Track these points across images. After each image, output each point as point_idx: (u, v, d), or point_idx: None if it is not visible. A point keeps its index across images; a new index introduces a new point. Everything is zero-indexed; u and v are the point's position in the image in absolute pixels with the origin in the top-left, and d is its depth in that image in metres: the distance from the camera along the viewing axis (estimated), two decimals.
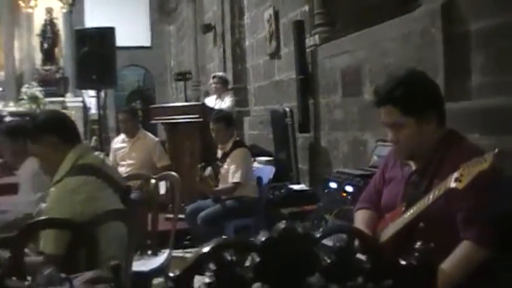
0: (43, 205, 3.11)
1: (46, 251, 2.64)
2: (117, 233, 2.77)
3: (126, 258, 2.84)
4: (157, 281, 3.81)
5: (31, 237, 2.66)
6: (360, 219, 2.64)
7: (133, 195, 5.64)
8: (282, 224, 1.41)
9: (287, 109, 6.96)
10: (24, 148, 3.93)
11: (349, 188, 4.24)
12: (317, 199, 4.94)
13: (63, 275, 1.77)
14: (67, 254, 2.58)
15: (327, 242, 1.49)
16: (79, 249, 2.62)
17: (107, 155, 7.18)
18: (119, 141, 6.87)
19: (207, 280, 1.33)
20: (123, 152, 6.73)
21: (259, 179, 5.89)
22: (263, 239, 1.39)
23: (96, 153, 3.04)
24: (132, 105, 7.07)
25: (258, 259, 1.36)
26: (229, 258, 1.37)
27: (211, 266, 1.37)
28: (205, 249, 1.36)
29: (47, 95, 13.64)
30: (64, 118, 3.05)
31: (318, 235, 1.46)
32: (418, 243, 1.58)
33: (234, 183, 5.52)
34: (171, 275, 1.32)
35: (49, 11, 14.46)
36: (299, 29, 6.38)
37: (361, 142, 5.27)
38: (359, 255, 1.50)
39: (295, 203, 5.87)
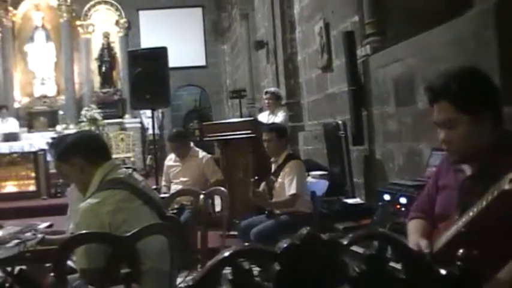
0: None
1: (79, 266, 2.65)
2: (158, 247, 2.75)
3: (168, 273, 2.83)
4: None
5: (71, 251, 2.65)
6: (413, 229, 2.52)
7: (185, 212, 5.67)
8: (304, 230, 1.32)
9: (340, 122, 6.85)
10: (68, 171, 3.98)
11: (403, 200, 4.10)
12: (372, 213, 4.81)
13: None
14: (107, 267, 2.56)
15: (358, 249, 1.39)
16: (120, 264, 2.59)
17: (162, 175, 7.26)
18: (171, 160, 6.89)
19: None
20: (175, 170, 6.75)
21: (313, 193, 5.78)
22: (284, 245, 1.30)
23: (124, 169, 3.06)
24: (178, 129, 7.10)
25: (278, 267, 1.28)
26: (247, 266, 1.29)
27: (229, 275, 1.29)
28: (222, 256, 1.29)
29: (105, 116, 13.94)
30: (91, 139, 3.13)
31: (345, 242, 1.36)
32: (461, 251, 1.44)
33: (291, 195, 5.39)
34: (184, 285, 1.26)
35: (106, 35, 14.84)
36: (350, 40, 6.28)
37: (416, 152, 5.10)
38: (393, 264, 1.39)
39: (350, 217, 5.73)
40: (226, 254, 1.29)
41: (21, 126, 13.59)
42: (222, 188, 4.49)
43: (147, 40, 14.83)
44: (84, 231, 2.62)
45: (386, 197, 4.39)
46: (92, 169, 2.88)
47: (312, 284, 1.30)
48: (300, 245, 1.30)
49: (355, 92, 6.27)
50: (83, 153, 2.92)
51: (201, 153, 6.77)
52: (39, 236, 4.08)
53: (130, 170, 3.08)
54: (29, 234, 4.11)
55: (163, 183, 6.89)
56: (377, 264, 1.36)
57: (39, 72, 15.13)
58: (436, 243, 2.27)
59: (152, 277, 2.67)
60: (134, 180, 2.96)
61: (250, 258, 1.33)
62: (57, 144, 4.10)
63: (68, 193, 4.28)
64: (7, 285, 1.20)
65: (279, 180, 5.56)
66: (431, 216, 2.46)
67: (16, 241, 3.93)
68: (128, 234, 2.56)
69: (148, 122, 13.76)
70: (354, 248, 1.35)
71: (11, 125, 13.09)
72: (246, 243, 5.17)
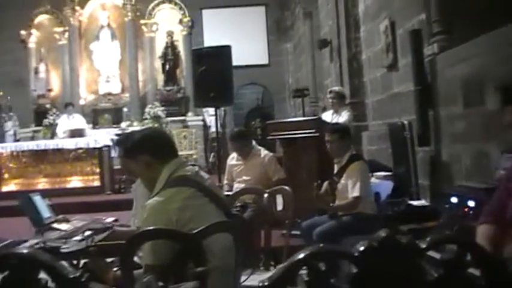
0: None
1: (145, 262, 2.68)
2: (224, 245, 2.75)
3: (233, 272, 2.83)
4: None
5: (138, 246, 2.67)
6: (482, 234, 2.45)
7: (248, 211, 5.68)
8: (382, 233, 1.29)
9: (405, 122, 6.73)
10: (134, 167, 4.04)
11: (471, 203, 4.00)
12: (438, 215, 4.71)
13: (161, 284, 1.73)
14: (174, 264, 2.58)
15: (435, 254, 1.35)
16: (186, 261, 2.61)
17: (224, 173, 7.29)
18: (234, 159, 6.91)
19: None
20: (238, 169, 6.76)
21: (377, 194, 5.69)
22: (361, 248, 1.27)
23: (190, 167, 3.07)
24: (240, 128, 7.13)
25: (354, 270, 1.25)
26: (323, 268, 1.26)
27: (304, 276, 1.27)
28: (298, 257, 1.27)
29: (168, 114, 14.12)
30: (159, 136, 3.15)
31: (423, 245, 1.32)
32: None
33: (354, 197, 5.31)
34: (260, 284, 1.24)
35: (170, 34, 15.01)
36: (416, 38, 6.16)
37: (484, 155, 4.96)
38: (472, 270, 1.35)
39: (415, 219, 5.60)
40: (302, 255, 1.27)
41: (86, 122, 13.90)
42: (286, 187, 4.46)
43: (210, 39, 14.94)
44: (151, 227, 2.64)
45: (454, 199, 4.29)
46: (159, 166, 2.90)
47: (389, 287, 1.27)
48: (377, 247, 1.28)
49: (421, 91, 6.15)
50: (151, 150, 2.93)
51: (263, 152, 6.76)
52: (107, 229, 4.17)
53: (196, 168, 3.09)
54: (98, 226, 4.21)
55: (225, 181, 6.93)
56: (456, 269, 1.32)
57: (104, 70, 15.43)
58: (508, 249, 2.20)
59: (217, 275, 2.67)
60: (200, 178, 2.97)
61: (326, 259, 1.31)
62: (125, 140, 4.15)
63: (133, 189, 4.33)
64: (82, 280, 1.21)
65: (342, 181, 5.49)
66: (503, 221, 2.38)
67: (86, 233, 4.04)
68: (195, 231, 2.57)
69: (210, 120, 13.87)
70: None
71: (77, 121, 13.40)
72: (309, 244, 5.15)
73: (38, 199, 5.19)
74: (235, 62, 8.31)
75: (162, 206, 2.73)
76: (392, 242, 1.27)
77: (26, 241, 4.01)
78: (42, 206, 5.24)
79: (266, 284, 1.24)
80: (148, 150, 2.93)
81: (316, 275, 1.25)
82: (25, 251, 1.37)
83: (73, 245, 3.77)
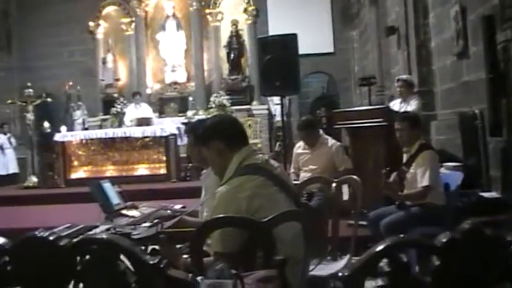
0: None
1: (214, 249, 2.69)
2: (293, 234, 2.74)
3: (302, 261, 2.82)
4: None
5: (208, 234, 2.69)
6: None
7: (315, 200, 5.65)
8: (466, 224, 1.24)
9: (477, 111, 6.54)
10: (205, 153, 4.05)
11: None
12: (510, 208, 4.56)
13: (234, 272, 1.73)
14: (244, 252, 2.58)
15: None
16: (256, 249, 2.61)
17: (290, 161, 7.28)
18: (300, 148, 6.88)
19: (380, 283, 1.21)
20: (304, 158, 6.74)
21: (447, 185, 5.56)
22: (444, 240, 1.23)
23: (261, 155, 3.07)
24: (308, 117, 7.07)
25: (437, 262, 1.21)
26: (405, 259, 1.23)
27: (385, 267, 1.24)
28: (379, 248, 1.24)
29: (233, 103, 14.14)
30: (231, 123, 3.11)
31: (510, 238, 1.27)
32: None
33: (423, 187, 5.19)
34: (340, 274, 1.22)
35: (234, 23, 15.01)
36: (489, 24, 5.96)
37: None
38: None
39: (486, 211, 5.44)
40: (383, 246, 1.24)
41: (152, 111, 14.10)
42: (355, 177, 4.41)
43: (275, 27, 14.89)
44: (221, 215, 2.65)
45: None
46: (229, 153, 2.90)
47: (472, 280, 1.23)
48: (461, 239, 1.23)
49: (493, 80, 5.96)
50: (222, 137, 2.93)
51: (331, 141, 6.71)
52: (176, 217, 4.22)
53: (266, 156, 3.09)
54: (167, 212, 4.26)
55: (291, 170, 6.91)
56: None
57: (170, 59, 15.56)
58: None
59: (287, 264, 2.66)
60: (270, 166, 2.96)
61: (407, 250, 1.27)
62: (196, 127, 4.18)
63: (202, 178, 4.35)
64: (161, 266, 1.22)
65: (411, 171, 5.39)
66: None
67: (154, 221, 4.09)
68: (266, 219, 2.56)
69: (275, 109, 13.84)
70: None
71: (144, 110, 13.62)
72: (376, 234, 5.09)
73: (107, 186, 5.30)
74: (300, 50, 8.25)
75: (232, 194, 2.74)
76: (477, 234, 1.23)
77: (97, 227, 4.09)
78: (112, 192, 5.35)
79: (346, 274, 1.22)
80: (220, 137, 2.93)
81: (398, 266, 1.22)
82: (105, 236, 1.39)
83: (143, 231, 3.83)
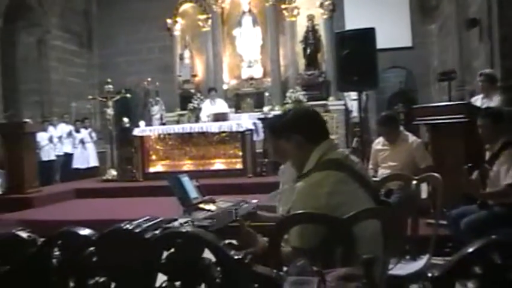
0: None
1: (292, 244, 2.66)
2: (373, 232, 2.68)
3: (381, 259, 2.76)
4: (414, 287, 3.66)
5: (288, 229, 2.67)
6: None
7: (393, 197, 5.55)
8: None
9: None
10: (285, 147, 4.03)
11: None
12: None
13: (315, 268, 1.70)
14: (322, 248, 2.55)
15: None
16: (335, 246, 2.57)
17: (367, 158, 7.18)
18: (380, 143, 6.78)
19: (471, 286, 1.16)
20: (384, 154, 6.63)
21: None
22: None
23: (341, 150, 3.01)
24: (389, 112, 6.95)
25: None
26: (499, 261, 1.17)
27: (477, 269, 1.19)
28: (471, 249, 1.19)
29: (309, 98, 14.08)
30: (311, 117, 3.04)
31: None
32: None
33: (507, 185, 4.98)
34: (430, 275, 1.18)
35: (310, 18, 14.93)
36: None
37: None
38: None
39: None
40: (475, 247, 1.19)
41: (229, 107, 14.21)
42: (436, 174, 4.29)
43: (351, 22, 14.70)
44: (301, 211, 2.62)
45: None
46: (309, 147, 2.86)
47: None
48: None
49: None
50: (303, 130, 2.89)
51: (411, 138, 6.58)
52: (251, 209, 4.23)
53: (347, 151, 3.03)
54: (245, 206, 4.28)
55: (370, 166, 6.81)
56: None
57: (246, 55, 15.64)
58: None
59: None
60: (351, 161, 2.90)
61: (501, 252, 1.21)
62: (273, 122, 4.18)
63: (280, 172, 4.34)
64: (246, 261, 1.22)
65: (494, 168, 5.20)
66: None
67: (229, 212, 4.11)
68: (346, 216, 2.52)
69: (352, 105, 13.69)
70: None
71: (220, 105, 13.74)
72: (456, 234, 4.94)
73: (186, 180, 5.36)
74: (377, 44, 8.13)
75: (311, 190, 2.70)
76: None
77: (175, 220, 4.14)
78: (190, 186, 5.41)
79: (436, 274, 1.17)
80: (300, 130, 2.89)
81: (490, 269, 1.16)
82: (190, 230, 1.39)
83: (219, 222, 3.85)
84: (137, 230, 1.43)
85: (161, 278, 1.47)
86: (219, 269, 1.34)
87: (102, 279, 1.51)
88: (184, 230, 1.39)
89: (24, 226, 1.89)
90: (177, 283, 1.41)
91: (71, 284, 1.59)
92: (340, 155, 2.88)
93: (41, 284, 1.61)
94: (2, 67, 15.35)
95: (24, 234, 1.69)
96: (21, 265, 1.63)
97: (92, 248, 1.49)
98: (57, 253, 1.57)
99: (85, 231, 1.50)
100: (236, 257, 1.31)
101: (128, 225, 1.46)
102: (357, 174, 2.81)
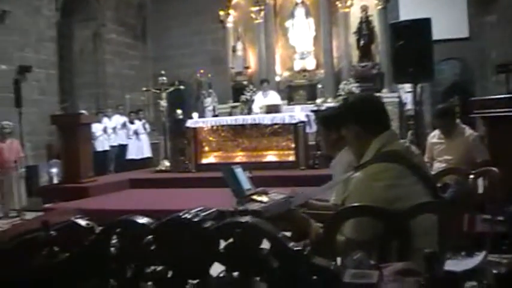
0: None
1: (346, 235, 2.62)
2: (429, 226, 2.62)
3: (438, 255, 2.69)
4: (469, 284, 3.57)
5: (344, 221, 2.63)
6: None
7: (449, 192, 5.43)
8: None
9: None
10: (338, 138, 4.00)
11: None
12: None
13: (372, 262, 1.67)
14: (377, 242, 2.51)
15: None
16: (391, 239, 2.52)
17: (423, 150, 7.05)
18: (435, 137, 6.66)
19: None
20: (439, 148, 6.51)
21: None
22: None
23: (402, 141, 2.93)
24: (446, 105, 6.83)
25: None
26: None
27: None
28: None
29: (363, 90, 13.84)
30: (371, 105, 2.93)
31: None
32: None
33: None
34: (495, 271, 1.14)
35: (364, 8, 14.73)
36: None
37: None
38: None
39: None
40: None
41: (281, 99, 14.17)
42: (494, 169, 4.18)
43: (406, 12, 14.49)
44: (360, 204, 2.57)
45: None
46: (368, 137, 2.78)
47: None
48: None
49: None
50: (361, 120, 2.82)
51: (468, 131, 6.44)
52: (302, 198, 4.20)
53: (407, 143, 2.96)
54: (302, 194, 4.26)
55: (425, 160, 6.70)
56: None
57: (299, 47, 15.55)
58: None
59: (420, 257, 2.55)
60: (411, 154, 2.82)
61: None
62: (325, 116, 4.15)
63: (332, 165, 4.31)
64: (305, 252, 1.20)
65: None
66: None
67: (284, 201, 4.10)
68: (403, 210, 2.47)
69: (406, 97, 13.49)
70: None
71: (272, 97, 13.71)
72: None
73: (239, 171, 5.38)
74: (433, 35, 7.96)
75: (368, 183, 2.64)
76: None
77: (230, 210, 4.15)
78: (243, 178, 5.43)
79: (503, 271, 1.13)
80: (358, 120, 2.82)
81: None
82: (250, 219, 1.38)
83: (273, 208, 3.84)
84: (196, 219, 1.43)
85: (219, 268, 1.46)
86: (277, 260, 1.33)
87: (159, 268, 1.52)
88: (243, 220, 1.38)
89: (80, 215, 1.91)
90: (235, 273, 1.40)
91: (129, 272, 1.60)
92: (400, 146, 2.80)
93: (99, 272, 1.63)
94: (59, 60, 15.69)
95: (83, 222, 1.72)
96: (80, 253, 1.65)
97: (150, 237, 1.49)
98: (115, 241, 1.59)
99: (144, 220, 1.50)
100: (295, 248, 1.29)
101: (186, 215, 1.46)
102: (416, 167, 2.74)
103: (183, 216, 1.45)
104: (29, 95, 13.94)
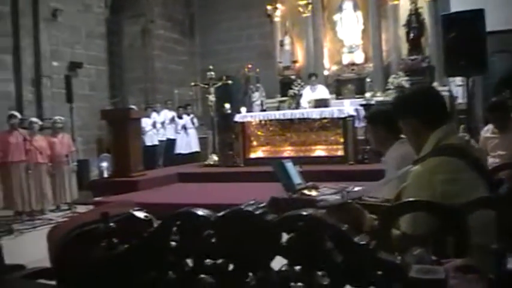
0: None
1: (403, 230, 2.57)
2: (486, 222, 2.54)
3: (495, 252, 2.62)
4: None
5: (400, 215, 2.58)
6: None
7: (503, 187, 5.30)
8: None
9: None
10: (386, 134, 3.95)
11: None
12: None
13: (433, 258, 1.63)
14: (434, 237, 2.45)
15: None
16: (447, 235, 2.47)
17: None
18: (489, 131, 6.49)
19: None
20: (493, 143, 6.35)
21: None
22: None
23: (461, 134, 2.87)
24: (499, 98, 6.66)
25: None
26: None
27: None
28: None
29: (412, 84, 13.64)
30: (429, 98, 2.86)
31: None
32: None
33: None
34: None
35: (414, 1, 14.46)
36: None
37: None
38: None
39: None
40: None
41: (330, 93, 14.08)
42: None
43: (457, 4, 14.16)
44: (418, 199, 2.52)
45: None
46: (426, 131, 2.72)
47: None
48: None
49: None
50: (418, 113, 2.76)
51: None
52: (357, 193, 4.15)
53: (467, 136, 2.90)
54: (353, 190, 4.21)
55: None
56: None
57: (347, 40, 15.40)
58: None
59: (477, 253, 2.48)
60: (471, 148, 2.76)
61: None
62: (374, 112, 4.10)
63: (383, 160, 4.25)
64: (370, 247, 1.18)
65: None
66: None
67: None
68: (460, 205, 2.41)
69: (457, 91, 13.25)
70: None
71: (321, 91, 13.64)
72: None
73: (290, 166, 5.39)
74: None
75: (426, 176, 2.58)
76: None
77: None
78: (294, 172, 5.43)
79: None
80: (415, 114, 2.77)
81: None
82: (313, 212, 1.36)
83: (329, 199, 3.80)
84: (257, 212, 1.41)
85: (280, 262, 1.44)
86: (341, 254, 1.30)
87: (219, 261, 1.51)
88: (305, 213, 1.36)
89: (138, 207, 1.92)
90: (297, 267, 1.38)
91: (188, 265, 1.59)
92: (460, 140, 2.74)
93: (158, 264, 1.63)
94: (109, 56, 15.92)
95: (141, 215, 1.72)
96: (139, 245, 1.65)
97: (210, 229, 1.48)
98: (174, 233, 1.59)
99: (204, 212, 1.49)
100: (361, 243, 1.26)
101: (248, 207, 1.44)
102: (476, 162, 2.67)
103: (245, 209, 1.43)
104: (80, 90, 14.22)
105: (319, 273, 1.34)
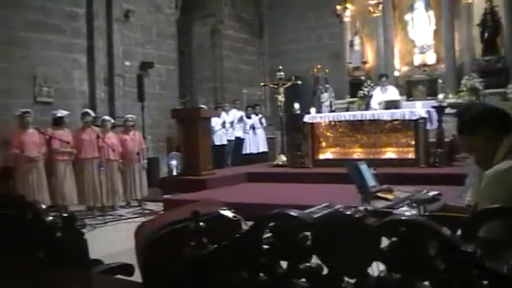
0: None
1: (481, 235, 2.49)
2: None
3: None
4: None
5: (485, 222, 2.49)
6: None
7: None
8: None
9: None
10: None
11: None
12: None
13: None
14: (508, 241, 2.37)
15: None
16: None
17: None
18: None
19: None
20: None
21: None
22: None
23: None
24: None
25: None
26: None
27: None
28: None
29: (486, 86, 13.28)
30: (496, 109, 2.98)
31: None
32: None
33: None
34: None
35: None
36: None
37: None
38: None
39: None
40: None
41: (400, 94, 13.84)
42: None
43: None
44: (500, 206, 2.43)
45: None
46: (499, 137, 2.76)
47: None
48: None
49: None
50: (491, 121, 2.82)
51: None
52: (434, 201, 4.07)
53: None
54: (428, 195, 4.13)
55: None
56: None
57: (419, 40, 15.11)
58: None
59: None
60: None
61: None
62: (464, 113, 4.00)
63: (467, 164, 4.15)
64: (477, 255, 1.13)
65: None
66: None
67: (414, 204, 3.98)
68: None
69: None
70: None
71: (391, 93, 13.43)
72: None
73: (364, 168, 5.29)
74: None
75: (501, 176, 2.58)
76: None
77: (355, 207, 4.07)
78: (368, 174, 5.33)
79: None
80: (488, 122, 2.83)
81: None
82: (417, 218, 1.32)
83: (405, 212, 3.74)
84: (357, 215, 1.38)
85: (378, 267, 1.40)
86: (444, 262, 1.25)
87: (314, 264, 1.48)
88: (408, 218, 1.32)
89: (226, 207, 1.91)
90: (397, 275, 1.33)
91: (281, 268, 1.57)
92: None
93: (249, 265, 1.61)
94: (179, 56, 16.14)
95: (229, 214, 1.71)
96: (231, 245, 1.64)
97: (305, 232, 1.46)
98: (266, 235, 1.57)
99: (300, 214, 1.46)
100: (468, 250, 1.21)
101: (347, 211, 1.41)
102: None
103: (344, 212, 1.40)
104: (151, 89, 14.49)
105: (421, 282, 1.29)
